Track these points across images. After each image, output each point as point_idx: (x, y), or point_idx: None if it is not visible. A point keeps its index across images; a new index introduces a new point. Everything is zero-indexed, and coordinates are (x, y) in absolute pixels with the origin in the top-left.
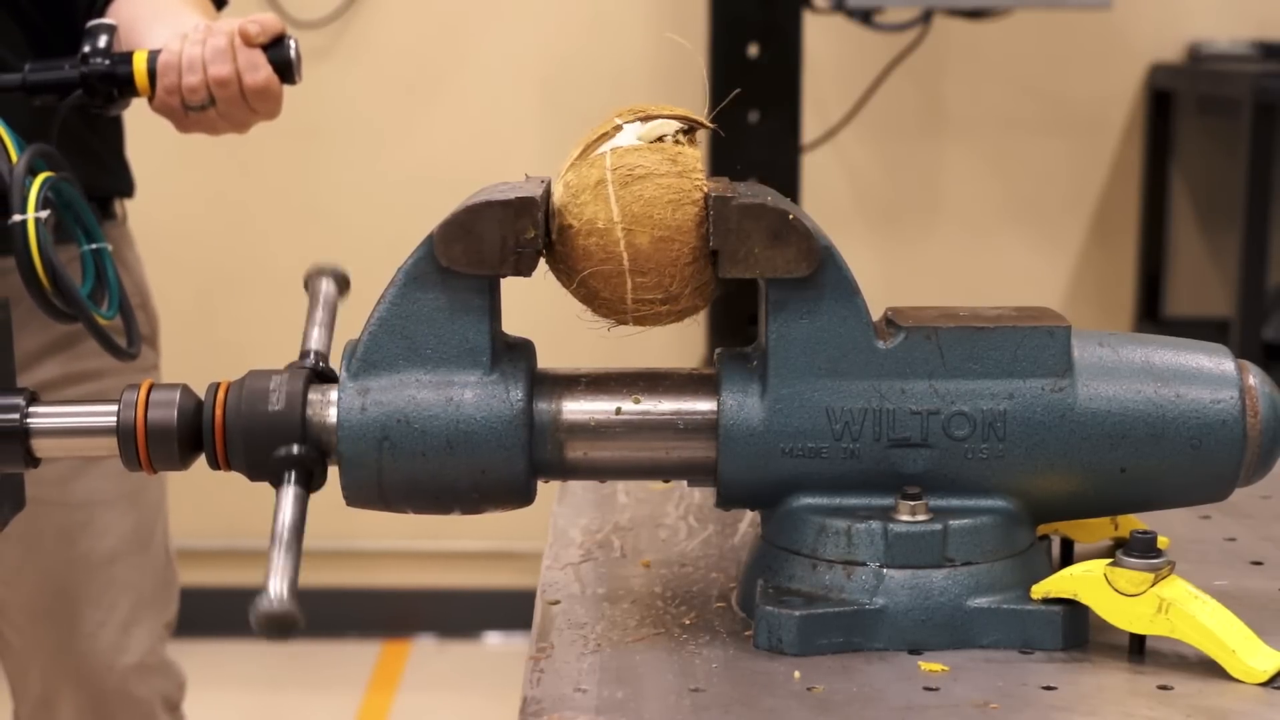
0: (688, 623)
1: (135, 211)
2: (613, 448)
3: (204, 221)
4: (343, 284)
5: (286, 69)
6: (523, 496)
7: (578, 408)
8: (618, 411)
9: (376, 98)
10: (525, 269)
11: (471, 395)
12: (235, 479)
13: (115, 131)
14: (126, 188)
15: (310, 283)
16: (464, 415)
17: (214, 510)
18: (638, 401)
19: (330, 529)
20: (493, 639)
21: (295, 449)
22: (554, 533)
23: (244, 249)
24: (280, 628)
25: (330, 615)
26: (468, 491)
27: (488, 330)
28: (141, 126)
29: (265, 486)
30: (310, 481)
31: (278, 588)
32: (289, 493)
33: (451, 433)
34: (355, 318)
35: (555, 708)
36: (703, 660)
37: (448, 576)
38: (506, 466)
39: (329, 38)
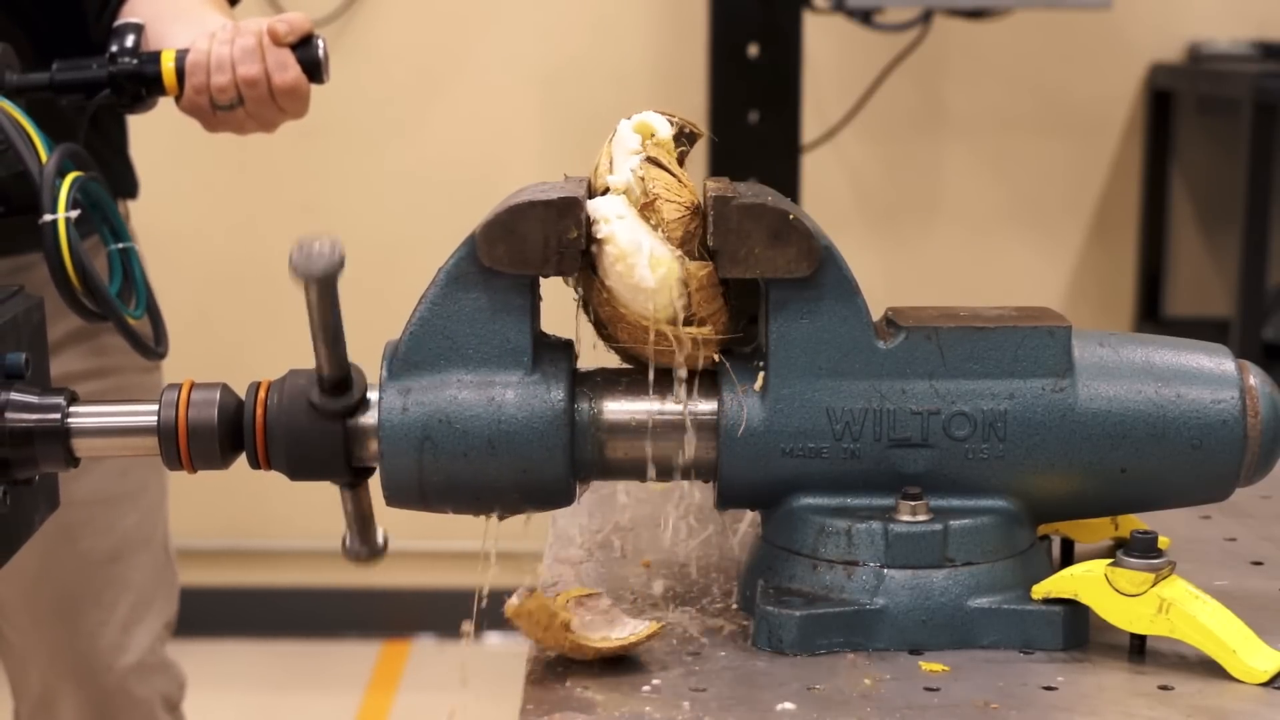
0: (688, 623)
1: (137, 212)
2: (653, 447)
3: (204, 222)
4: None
5: (315, 68)
6: (564, 497)
7: (619, 408)
8: (660, 412)
9: (377, 98)
10: (568, 269)
11: (513, 395)
12: (234, 479)
13: (119, 132)
14: (130, 188)
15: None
16: (506, 415)
17: (214, 510)
18: (679, 401)
19: (331, 529)
20: (493, 639)
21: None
22: (554, 532)
23: (245, 249)
24: (371, 559)
25: (330, 615)
26: (509, 491)
27: (529, 330)
28: (143, 127)
29: (265, 487)
30: (361, 481)
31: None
32: (349, 496)
33: (493, 433)
34: (379, 316)
35: (555, 708)
36: (703, 660)
37: (448, 576)
38: (548, 467)
39: (329, 38)
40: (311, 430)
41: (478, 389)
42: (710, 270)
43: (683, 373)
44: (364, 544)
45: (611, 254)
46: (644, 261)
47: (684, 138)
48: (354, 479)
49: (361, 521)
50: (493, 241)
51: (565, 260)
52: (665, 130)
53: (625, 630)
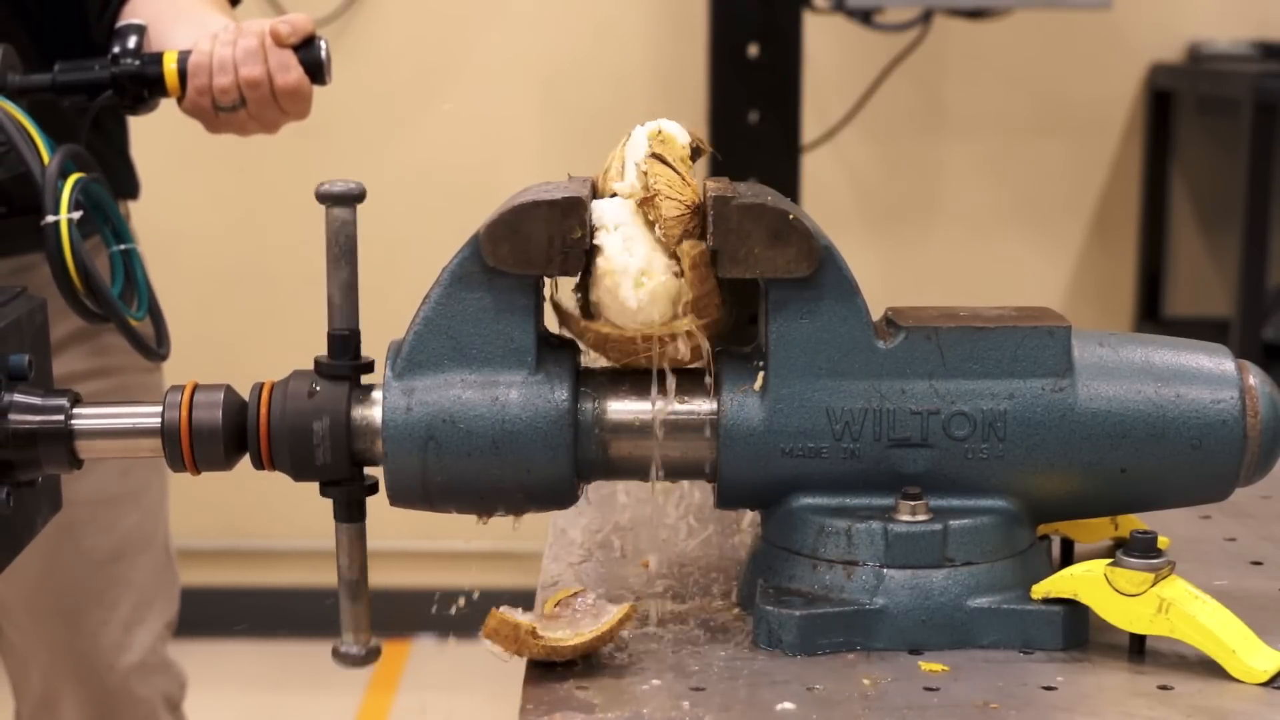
0: (688, 623)
1: (137, 213)
2: (656, 447)
3: (204, 222)
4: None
5: (317, 69)
6: (567, 496)
7: (622, 407)
8: (661, 411)
9: (377, 98)
10: (572, 268)
11: (517, 395)
12: (235, 480)
13: (120, 133)
14: (132, 189)
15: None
16: (509, 415)
17: (214, 510)
18: (684, 402)
19: (330, 529)
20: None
21: (343, 488)
22: (554, 533)
23: (245, 249)
24: (363, 664)
25: (330, 615)
26: (512, 491)
27: (533, 330)
28: (143, 128)
29: (266, 488)
30: (364, 510)
31: (355, 641)
32: (345, 531)
33: (497, 433)
34: (379, 315)
35: (555, 708)
36: (703, 660)
37: (448, 576)
38: (551, 466)
39: (329, 38)
40: (315, 431)
41: (481, 389)
42: (703, 249)
43: (667, 370)
44: (358, 644)
45: (601, 266)
46: (629, 283)
47: (691, 153)
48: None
49: (359, 618)
50: (497, 241)
51: (569, 260)
52: (683, 138)
53: (607, 618)
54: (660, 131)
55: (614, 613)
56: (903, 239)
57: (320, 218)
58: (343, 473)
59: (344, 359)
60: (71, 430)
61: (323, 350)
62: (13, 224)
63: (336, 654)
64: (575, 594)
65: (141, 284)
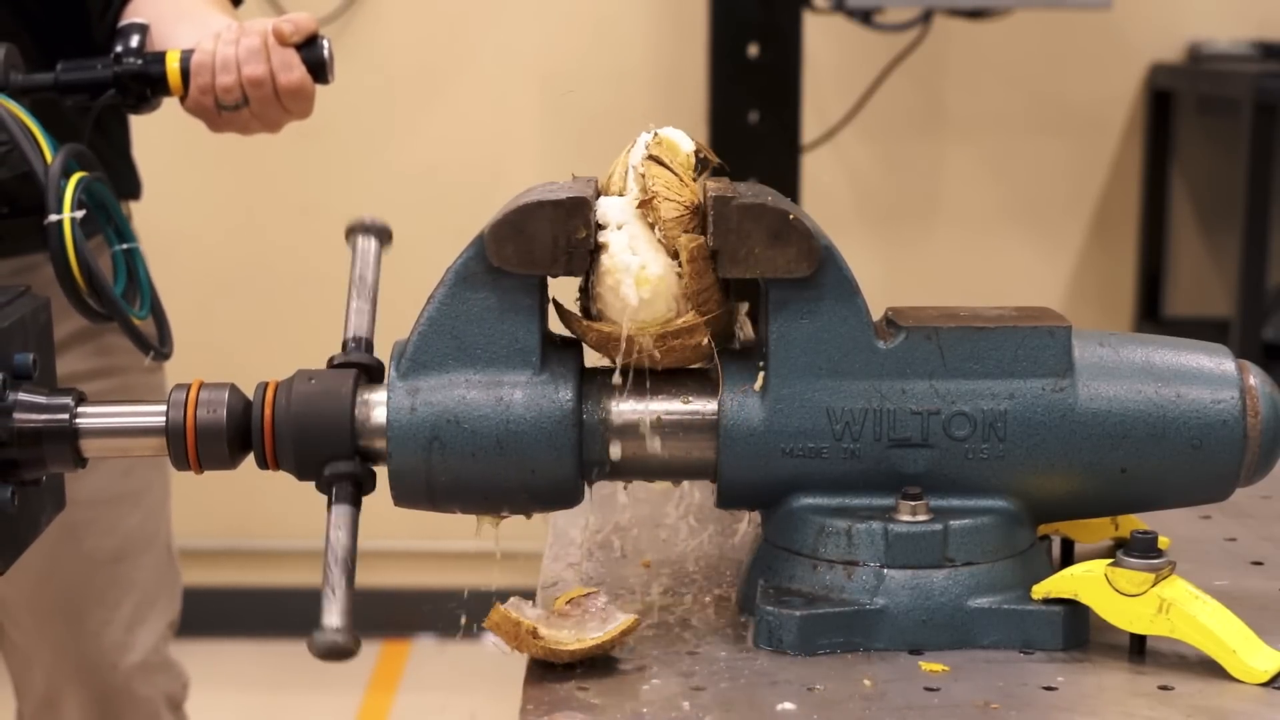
0: (688, 623)
1: (139, 212)
2: (662, 448)
3: (205, 222)
4: (385, 238)
5: (320, 68)
6: (571, 497)
7: (627, 408)
8: (667, 412)
9: (377, 98)
10: (577, 268)
11: (521, 395)
12: (236, 479)
13: (122, 133)
14: (133, 189)
15: (350, 241)
16: (514, 415)
17: (214, 510)
18: (687, 402)
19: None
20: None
21: (346, 465)
22: (554, 533)
23: (245, 249)
24: (339, 656)
25: None
26: (517, 492)
27: (537, 330)
28: (144, 128)
29: (266, 487)
30: (360, 494)
31: (334, 620)
32: (340, 512)
33: (501, 433)
34: (388, 316)
35: (555, 708)
36: (703, 660)
37: (448, 576)
38: (556, 467)
39: (330, 37)
40: (320, 431)
41: (486, 389)
42: (701, 243)
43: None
44: (345, 627)
45: (604, 264)
46: (631, 281)
47: (699, 163)
48: (361, 490)
49: (346, 603)
50: (501, 241)
51: (574, 260)
52: (687, 146)
53: (611, 627)
54: (659, 135)
55: (619, 621)
56: (903, 239)
57: (320, 218)
58: (345, 436)
59: (353, 357)
60: (76, 429)
61: (324, 349)
62: (16, 224)
63: (313, 643)
64: (587, 594)
65: (144, 283)
